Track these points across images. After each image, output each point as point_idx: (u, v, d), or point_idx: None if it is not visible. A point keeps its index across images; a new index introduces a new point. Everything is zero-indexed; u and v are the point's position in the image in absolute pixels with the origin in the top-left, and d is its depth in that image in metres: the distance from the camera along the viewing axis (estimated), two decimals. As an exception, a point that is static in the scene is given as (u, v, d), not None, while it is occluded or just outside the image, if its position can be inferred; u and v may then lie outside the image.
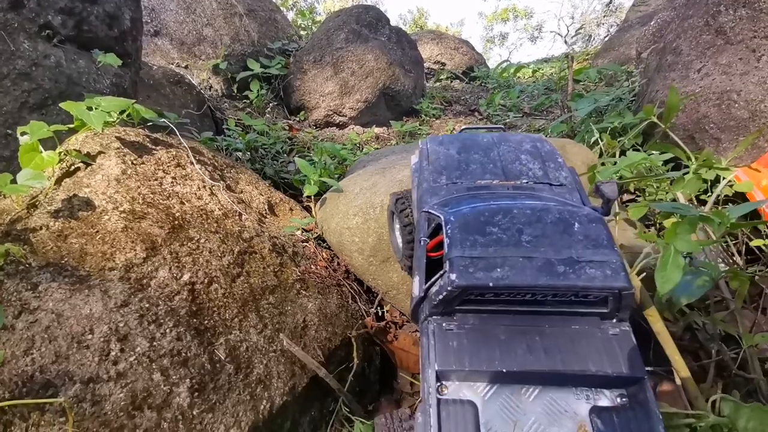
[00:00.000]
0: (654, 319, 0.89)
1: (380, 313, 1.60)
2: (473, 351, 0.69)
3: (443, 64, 5.78)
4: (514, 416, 0.67)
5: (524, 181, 0.92)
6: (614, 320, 0.72)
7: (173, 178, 1.34)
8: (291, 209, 1.97)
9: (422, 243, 0.82)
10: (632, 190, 1.88)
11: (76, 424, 0.69)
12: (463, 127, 1.35)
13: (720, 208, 1.61)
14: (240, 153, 2.74)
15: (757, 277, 1.27)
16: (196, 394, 0.84)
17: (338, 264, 1.66)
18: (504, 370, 0.67)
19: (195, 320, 0.97)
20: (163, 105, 3.01)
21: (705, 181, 1.58)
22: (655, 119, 1.37)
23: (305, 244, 1.68)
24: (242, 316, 1.03)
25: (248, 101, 3.89)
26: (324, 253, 1.68)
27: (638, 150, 2.16)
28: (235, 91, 4.03)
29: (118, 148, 1.33)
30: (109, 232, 1.04)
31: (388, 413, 1.01)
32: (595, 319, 0.72)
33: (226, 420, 0.85)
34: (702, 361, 1.16)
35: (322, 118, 3.87)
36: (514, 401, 0.68)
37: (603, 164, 1.83)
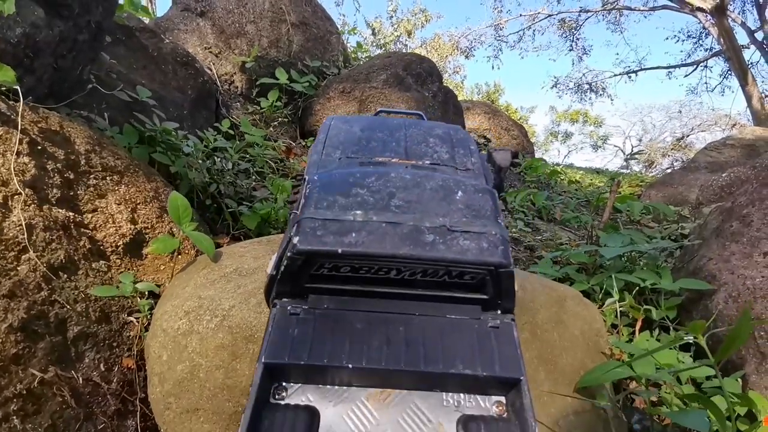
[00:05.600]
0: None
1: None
2: (317, 342, 0.54)
3: (488, 140, 5.36)
4: (362, 427, 0.52)
5: (427, 162, 0.82)
6: (498, 311, 0.61)
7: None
8: (179, 253, 1.47)
9: (291, 216, 0.70)
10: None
11: None
12: (379, 109, 1.21)
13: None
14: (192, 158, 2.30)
15: None
16: None
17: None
18: (350, 366, 0.53)
19: None
20: (155, 80, 2.67)
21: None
22: (701, 342, 0.79)
23: (134, 319, 1.13)
24: None
25: (260, 108, 3.57)
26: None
27: (667, 327, 1.62)
28: (254, 95, 3.73)
29: None
30: None
31: None
32: (476, 308, 0.61)
33: None
34: None
35: (328, 152, 3.46)
36: (366, 408, 0.54)
37: (615, 348, 1.23)
